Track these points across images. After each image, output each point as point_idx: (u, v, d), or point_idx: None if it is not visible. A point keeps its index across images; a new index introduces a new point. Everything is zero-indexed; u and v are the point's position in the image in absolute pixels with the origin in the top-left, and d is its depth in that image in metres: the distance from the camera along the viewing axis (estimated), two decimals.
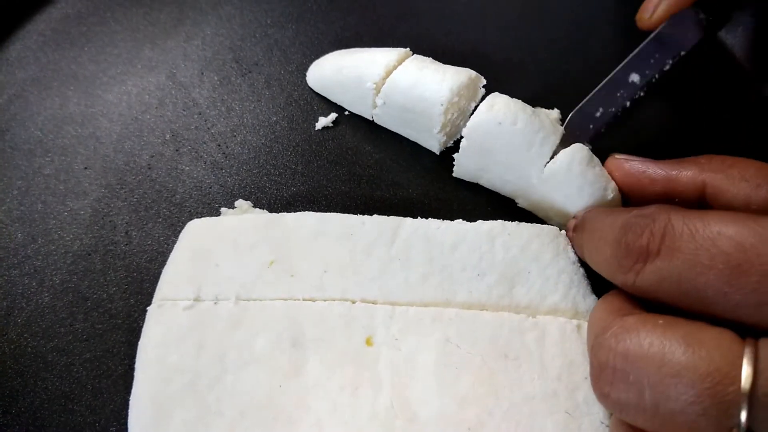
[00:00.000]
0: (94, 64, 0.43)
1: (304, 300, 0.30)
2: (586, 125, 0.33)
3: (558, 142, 0.32)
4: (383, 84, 0.36)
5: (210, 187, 0.37)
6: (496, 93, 0.33)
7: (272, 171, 0.38)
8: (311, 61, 0.43)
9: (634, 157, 0.31)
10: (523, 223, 0.32)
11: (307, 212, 0.32)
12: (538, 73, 0.42)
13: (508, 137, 0.32)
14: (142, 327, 0.30)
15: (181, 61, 0.43)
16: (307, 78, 0.42)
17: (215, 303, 0.29)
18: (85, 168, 0.38)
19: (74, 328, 0.32)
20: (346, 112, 0.40)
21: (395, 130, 0.39)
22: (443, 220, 0.32)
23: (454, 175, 0.37)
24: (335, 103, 0.41)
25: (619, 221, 0.25)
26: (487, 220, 0.32)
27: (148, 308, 0.30)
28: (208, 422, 0.26)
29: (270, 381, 0.27)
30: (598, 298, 0.28)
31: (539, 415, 0.26)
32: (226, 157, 0.38)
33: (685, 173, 0.28)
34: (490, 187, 0.36)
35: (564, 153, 0.31)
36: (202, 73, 0.42)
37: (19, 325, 0.32)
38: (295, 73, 0.42)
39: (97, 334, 0.32)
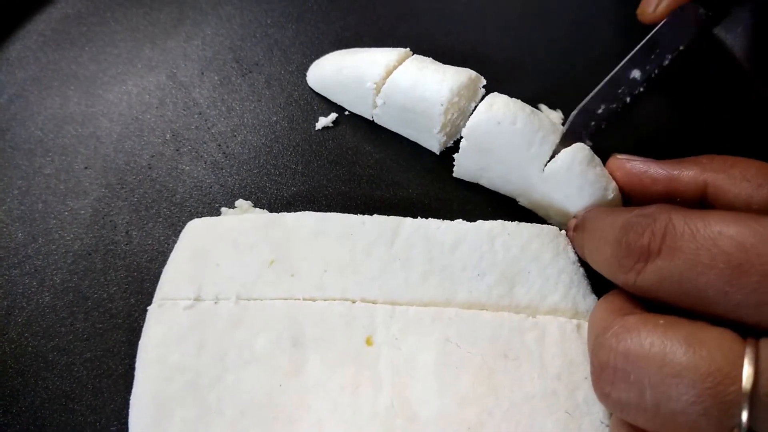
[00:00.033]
0: (95, 63, 0.43)
1: (304, 300, 0.30)
2: (588, 122, 0.33)
3: (558, 141, 0.32)
4: (383, 84, 0.36)
5: (210, 187, 0.37)
6: (496, 93, 0.33)
7: (272, 171, 0.38)
8: (311, 61, 0.43)
9: (635, 157, 0.31)
10: (523, 223, 0.32)
11: (307, 212, 0.32)
12: (538, 73, 0.42)
13: (508, 137, 0.32)
14: (142, 326, 0.30)
15: (181, 60, 0.43)
16: (307, 78, 0.42)
17: (216, 302, 0.29)
18: (86, 168, 0.38)
19: (75, 328, 0.32)
20: (347, 112, 0.40)
21: (395, 130, 0.39)
22: (443, 220, 0.32)
23: (454, 175, 0.37)
24: (335, 103, 0.41)
25: (620, 221, 0.25)
26: (487, 220, 0.32)
27: (148, 308, 0.30)
28: (209, 421, 0.26)
29: (270, 380, 0.27)
30: (598, 298, 0.28)
31: (539, 415, 0.26)
32: (226, 157, 0.38)
33: (686, 173, 0.28)
34: (490, 187, 0.36)
35: (565, 152, 0.31)
36: (203, 73, 0.43)
37: (20, 324, 0.32)
38: (296, 73, 0.42)
39: (98, 333, 0.32)
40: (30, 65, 0.43)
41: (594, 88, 0.34)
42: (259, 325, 0.29)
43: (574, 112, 0.33)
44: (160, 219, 0.36)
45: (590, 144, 0.32)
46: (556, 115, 0.38)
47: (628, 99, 0.34)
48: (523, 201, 0.35)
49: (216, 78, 0.42)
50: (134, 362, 0.29)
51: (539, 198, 0.33)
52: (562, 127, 0.33)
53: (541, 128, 0.32)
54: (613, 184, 0.31)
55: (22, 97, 0.41)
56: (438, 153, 0.38)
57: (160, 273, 0.31)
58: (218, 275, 0.30)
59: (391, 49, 0.38)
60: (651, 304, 0.24)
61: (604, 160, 0.32)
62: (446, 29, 0.45)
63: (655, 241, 0.23)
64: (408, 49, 0.38)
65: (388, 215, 0.32)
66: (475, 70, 0.36)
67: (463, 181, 0.37)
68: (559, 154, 0.31)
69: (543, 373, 0.27)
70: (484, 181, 0.36)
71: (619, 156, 0.31)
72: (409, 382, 0.27)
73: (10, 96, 0.41)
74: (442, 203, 0.36)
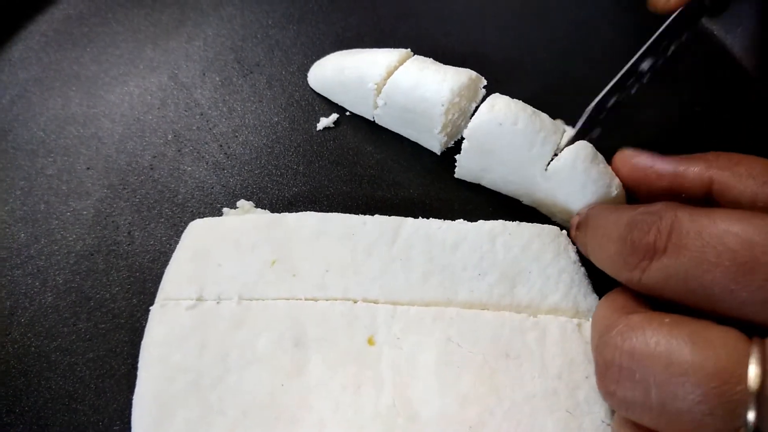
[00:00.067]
0: (96, 64, 0.43)
1: (306, 300, 0.30)
2: (599, 115, 0.33)
3: (560, 140, 0.32)
4: (384, 84, 0.36)
5: (212, 188, 0.37)
6: (497, 94, 0.34)
7: (274, 171, 0.38)
8: (312, 61, 0.43)
9: (642, 152, 0.30)
10: (524, 222, 0.32)
11: (308, 212, 0.33)
12: (538, 73, 0.42)
13: (510, 137, 0.32)
14: (144, 326, 0.30)
15: (182, 61, 0.43)
16: (308, 78, 0.42)
17: (218, 303, 0.30)
18: (88, 168, 0.38)
19: (77, 328, 0.32)
20: (348, 113, 0.40)
21: (396, 131, 0.39)
22: (444, 220, 0.32)
23: (455, 176, 0.37)
24: (336, 104, 0.41)
25: (625, 218, 0.25)
26: (488, 219, 0.32)
27: (150, 308, 0.30)
28: (211, 421, 0.27)
29: (272, 380, 0.27)
30: (599, 298, 0.28)
31: (540, 414, 0.26)
32: (227, 158, 0.39)
33: (692, 169, 0.28)
34: (491, 188, 0.36)
35: (568, 150, 0.31)
36: (204, 74, 0.43)
37: (23, 324, 0.32)
38: (297, 74, 0.43)
39: (100, 333, 0.32)
40: (32, 66, 0.43)
41: (593, 88, 0.34)
42: (261, 325, 0.29)
43: (590, 106, 0.33)
44: (162, 219, 0.36)
45: (599, 132, 0.32)
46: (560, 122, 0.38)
47: (633, 90, 0.34)
48: (525, 200, 0.35)
49: (217, 79, 0.42)
50: (137, 362, 0.29)
51: (542, 196, 0.33)
52: (562, 127, 0.33)
53: (542, 128, 0.32)
54: (617, 181, 0.31)
55: (24, 97, 0.41)
56: (439, 153, 0.38)
57: (162, 273, 0.31)
58: (220, 275, 0.30)
59: (392, 49, 0.38)
60: (654, 302, 0.24)
61: (607, 159, 0.32)
62: (446, 30, 0.45)
63: (660, 239, 0.23)
64: (409, 49, 0.38)
65: (389, 215, 0.32)
66: (475, 70, 0.36)
67: (463, 181, 0.37)
68: (563, 152, 0.31)
69: (544, 373, 0.27)
70: (486, 182, 0.36)
71: (625, 150, 0.31)
72: (411, 381, 0.27)
73: (12, 97, 0.42)
74: (443, 203, 0.36)
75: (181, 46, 0.44)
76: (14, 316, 0.33)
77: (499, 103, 0.32)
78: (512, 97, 0.33)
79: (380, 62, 0.37)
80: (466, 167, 0.36)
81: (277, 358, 0.28)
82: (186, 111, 0.41)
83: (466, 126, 0.34)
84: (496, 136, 0.32)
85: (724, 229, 0.21)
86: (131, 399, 0.28)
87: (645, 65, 0.34)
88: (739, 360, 0.19)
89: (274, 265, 0.31)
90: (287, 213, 0.33)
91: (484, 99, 0.34)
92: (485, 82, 0.37)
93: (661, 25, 0.34)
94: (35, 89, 0.42)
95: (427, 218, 0.32)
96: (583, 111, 0.34)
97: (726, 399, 0.19)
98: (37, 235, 0.35)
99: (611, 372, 0.22)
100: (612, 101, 0.33)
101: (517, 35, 0.44)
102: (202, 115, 0.41)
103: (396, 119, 0.38)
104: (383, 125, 0.39)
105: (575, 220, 0.31)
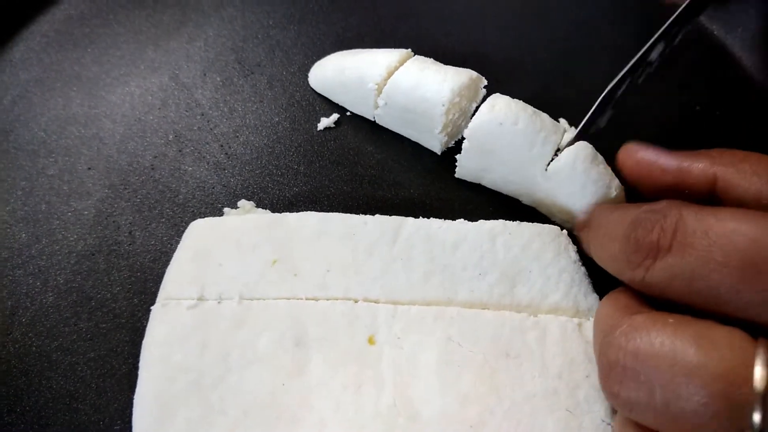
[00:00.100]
0: (97, 65, 0.43)
1: (306, 299, 0.30)
2: (605, 109, 0.33)
3: (560, 140, 0.32)
4: (385, 85, 0.36)
5: (213, 188, 0.37)
6: (497, 94, 0.34)
7: (274, 171, 0.38)
8: (313, 61, 0.43)
9: (647, 146, 0.30)
10: (524, 222, 0.32)
11: (309, 212, 0.33)
12: (538, 73, 0.42)
13: (510, 137, 0.32)
14: (146, 326, 0.30)
15: (183, 62, 0.43)
16: (309, 79, 0.42)
17: (219, 302, 0.30)
18: (89, 168, 0.38)
19: (78, 328, 0.32)
20: (348, 113, 0.40)
21: (397, 131, 0.39)
22: (445, 219, 0.32)
23: (456, 176, 0.37)
24: (337, 104, 0.41)
25: (628, 216, 0.25)
26: (489, 219, 0.32)
27: (151, 308, 0.30)
28: (212, 421, 0.27)
29: (273, 380, 0.27)
30: (599, 297, 0.28)
31: (540, 414, 0.26)
32: (228, 158, 0.39)
33: (696, 165, 0.27)
34: (492, 188, 0.36)
35: (568, 150, 0.31)
36: (205, 74, 0.43)
37: (24, 324, 0.32)
38: (297, 74, 0.43)
39: (101, 333, 0.32)
40: (33, 66, 0.43)
41: (593, 88, 0.34)
42: (261, 324, 0.29)
43: (597, 101, 0.33)
44: (163, 219, 0.36)
45: (605, 124, 0.32)
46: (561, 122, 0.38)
47: (641, 79, 0.33)
48: (525, 200, 0.35)
49: (218, 79, 0.42)
50: (138, 362, 0.29)
51: (542, 196, 0.33)
52: (563, 127, 0.34)
53: (543, 128, 0.32)
54: (617, 182, 0.31)
55: (26, 98, 0.42)
56: (439, 153, 0.38)
57: (163, 273, 0.31)
58: (221, 275, 0.30)
59: (393, 50, 0.38)
60: (656, 302, 0.24)
61: (606, 159, 0.32)
62: (447, 30, 0.45)
63: (665, 237, 0.22)
64: (409, 49, 0.38)
65: (390, 215, 0.32)
66: (475, 70, 0.36)
67: (464, 181, 0.37)
68: (563, 152, 0.32)
69: (544, 372, 0.27)
70: (486, 182, 0.36)
71: (630, 144, 0.30)
72: (411, 381, 0.27)
73: (14, 97, 0.42)
74: (443, 203, 0.37)
75: (182, 46, 0.44)
76: (15, 316, 0.33)
77: (500, 103, 0.33)
78: (513, 97, 0.33)
79: (381, 62, 0.37)
80: (466, 167, 0.36)
81: (278, 358, 0.28)
82: (187, 111, 0.41)
83: (466, 126, 0.34)
84: (496, 136, 0.32)
85: (732, 229, 0.21)
86: (132, 398, 0.28)
87: (653, 56, 0.33)
88: (745, 361, 0.19)
89: (275, 265, 0.31)
90: (288, 213, 0.33)
91: (484, 99, 0.34)
92: (486, 82, 0.37)
93: (667, 19, 0.34)
94: (36, 90, 0.42)
95: (428, 218, 0.32)
96: (583, 111, 0.34)
97: (731, 400, 0.19)
98: (39, 235, 0.35)
99: (615, 372, 0.22)
100: (618, 94, 0.33)
101: (518, 35, 0.44)
102: (203, 115, 0.41)
103: (396, 119, 0.38)
104: (384, 125, 0.39)
105: (580, 220, 0.31)
